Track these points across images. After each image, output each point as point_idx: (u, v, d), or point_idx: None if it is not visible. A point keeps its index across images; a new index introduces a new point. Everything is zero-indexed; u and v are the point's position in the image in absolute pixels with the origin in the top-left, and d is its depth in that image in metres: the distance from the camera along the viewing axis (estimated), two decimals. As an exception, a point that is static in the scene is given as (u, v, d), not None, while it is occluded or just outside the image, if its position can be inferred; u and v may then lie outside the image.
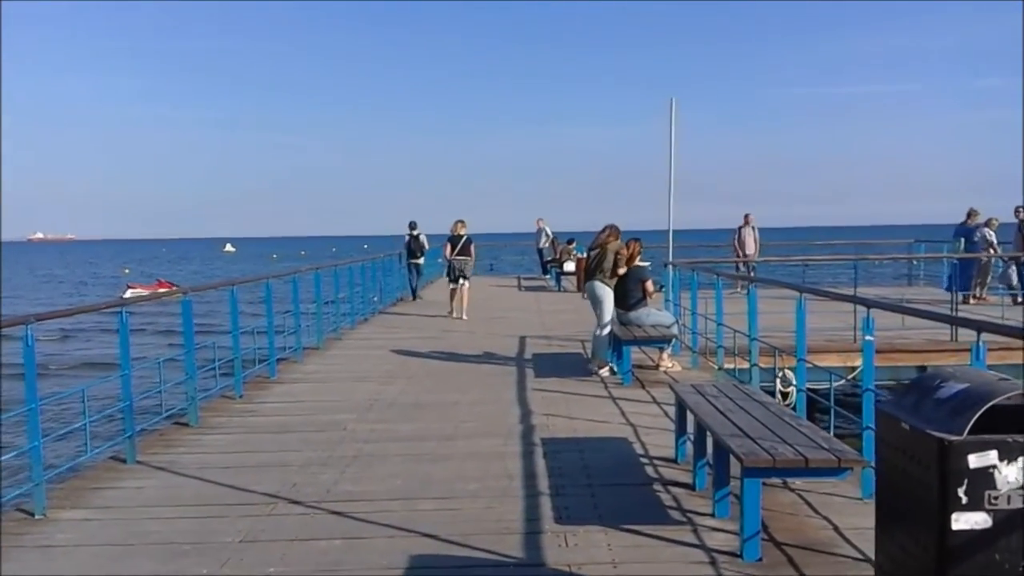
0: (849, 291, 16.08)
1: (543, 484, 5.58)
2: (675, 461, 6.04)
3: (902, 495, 2.78)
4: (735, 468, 4.58)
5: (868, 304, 5.16)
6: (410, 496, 5.40)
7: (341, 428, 7.31)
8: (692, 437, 5.74)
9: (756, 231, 20.10)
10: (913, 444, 2.67)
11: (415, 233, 19.00)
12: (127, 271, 69.95)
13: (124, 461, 6.31)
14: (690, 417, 5.63)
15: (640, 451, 6.38)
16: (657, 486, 5.55)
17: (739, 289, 16.42)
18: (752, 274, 17.58)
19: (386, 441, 6.86)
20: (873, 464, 4.56)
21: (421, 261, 19.43)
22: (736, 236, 20.21)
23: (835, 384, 9.95)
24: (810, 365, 7.04)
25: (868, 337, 5.10)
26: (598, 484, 5.56)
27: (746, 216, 20.25)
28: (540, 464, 6.06)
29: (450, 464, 6.12)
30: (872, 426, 5.18)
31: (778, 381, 10.81)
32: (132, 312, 6.78)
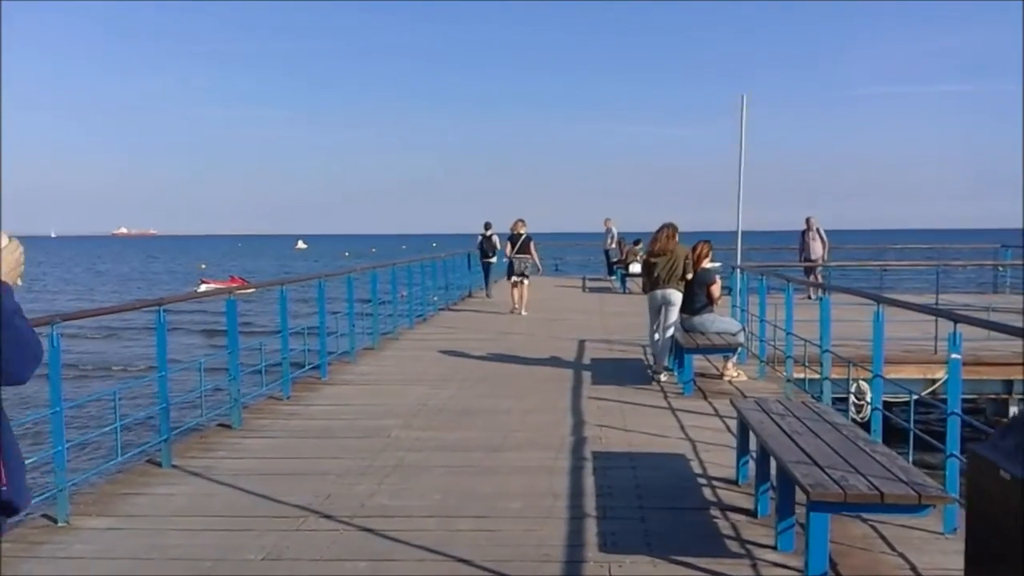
0: (929, 297, 15.28)
1: (590, 505, 5.18)
2: (736, 483, 5.58)
3: (999, 556, 2.32)
4: (801, 495, 4.13)
5: (955, 319, 4.63)
6: (448, 513, 5.07)
7: (385, 435, 7.03)
8: (755, 457, 5.30)
9: (822, 233, 19.07)
10: (1014, 498, 2.21)
11: (488, 233, 19.43)
12: (203, 266, 71.47)
13: (159, 465, 6.12)
14: (753, 435, 5.19)
15: (698, 470, 5.94)
16: (714, 511, 5.10)
17: (811, 296, 15.73)
18: (820, 279, 16.83)
19: (430, 450, 6.54)
20: (958, 499, 4.07)
21: (493, 260, 19.73)
22: (800, 241, 19.29)
23: (913, 398, 9.33)
24: (887, 377, 6.51)
25: (955, 355, 4.58)
26: (650, 507, 5.14)
27: (807, 220, 19.11)
28: (589, 482, 5.66)
29: (494, 479, 5.77)
30: (957, 454, 4.68)
31: (851, 395, 10.22)
32: (185, 311, 6.59)
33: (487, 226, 19.56)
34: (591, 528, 4.79)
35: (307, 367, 9.77)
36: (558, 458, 6.26)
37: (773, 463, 4.69)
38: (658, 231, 9.42)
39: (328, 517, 5.01)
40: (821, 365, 7.29)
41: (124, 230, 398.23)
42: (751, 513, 5.01)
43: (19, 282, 2.23)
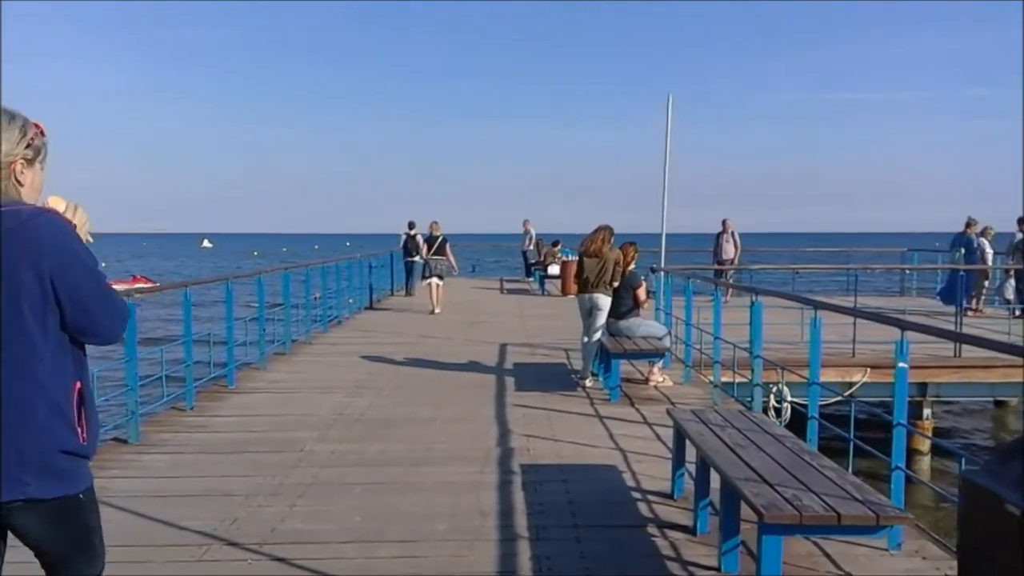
0: (842, 300, 15.49)
1: (522, 524, 4.85)
2: (671, 497, 5.33)
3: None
4: (747, 511, 3.90)
5: (902, 326, 4.46)
6: (368, 538, 4.65)
7: (299, 448, 6.56)
8: (692, 472, 5.06)
9: (736, 236, 19.27)
10: (1026, 536, 1.95)
11: (412, 232, 19.60)
12: (103, 265, 68.47)
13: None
14: (689, 446, 4.95)
15: (631, 483, 5.67)
16: (652, 528, 4.83)
17: (726, 299, 15.80)
18: (731, 281, 16.93)
19: (347, 466, 6.11)
20: (909, 517, 3.87)
21: (416, 259, 19.69)
22: (715, 242, 19.44)
23: (826, 400, 9.32)
24: (804, 381, 6.40)
25: (901, 364, 4.42)
26: (584, 525, 4.84)
27: (724, 222, 19.23)
28: (519, 498, 5.33)
29: (417, 497, 5.38)
30: (903, 467, 4.51)
31: (772, 396, 10.18)
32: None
33: (411, 225, 19.70)
34: (524, 551, 4.46)
35: (212, 375, 9.18)
36: (484, 472, 5.91)
37: (714, 476, 4.45)
38: (594, 232, 9.17)
39: (234, 545, 4.55)
40: (752, 371, 7.13)
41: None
42: (690, 531, 4.75)
43: (90, 239, 2.46)
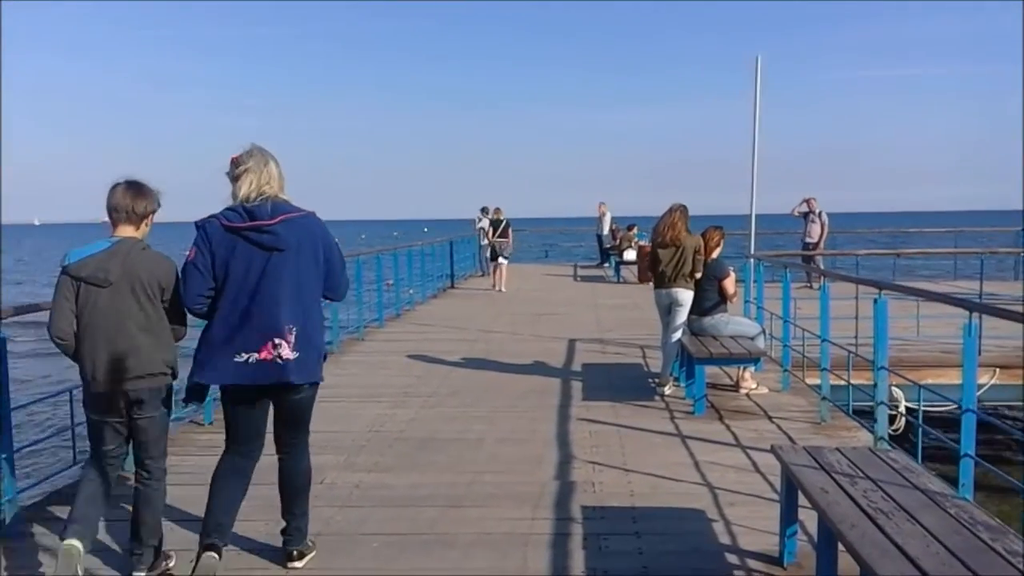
0: (951, 286, 13.81)
1: (580, 607, 3.66)
2: (780, 563, 4.06)
3: None
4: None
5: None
6: (375, 624, 3.53)
7: (319, 480, 5.45)
8: (806, 527, 3.82)
9: (824, 216, 17.22)
10: None
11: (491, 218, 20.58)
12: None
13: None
14: (803, 496, 3.71)
15: (725, 538, 4.41)
16: (757, 617, 3.58)
17: (812, 286, 14.27)
18: (821, 266, 15.29)
19: (370, 506, 5.01)
20: None
21: (485, 242, 20.74)
22: (804, 225, 17.52)
23: (943, 405, 7.91)
24: (914, 383, 5.06)
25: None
26: (664, 609, 3.62)
27: (808, 201, 17.10)
28: (578, 560, 4.13)
29: (448, 556, 4.23)
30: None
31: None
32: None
33: (484, 211, 20.91)
34: (580, 656, 3.27)
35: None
36: (536, 517, 4.74)
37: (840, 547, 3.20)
38: (665, 215, 7.86)
39: (202, 633, 3.48)
40: (875, 385, 5.73)
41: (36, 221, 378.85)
42: (811, 623, 3.49)
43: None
